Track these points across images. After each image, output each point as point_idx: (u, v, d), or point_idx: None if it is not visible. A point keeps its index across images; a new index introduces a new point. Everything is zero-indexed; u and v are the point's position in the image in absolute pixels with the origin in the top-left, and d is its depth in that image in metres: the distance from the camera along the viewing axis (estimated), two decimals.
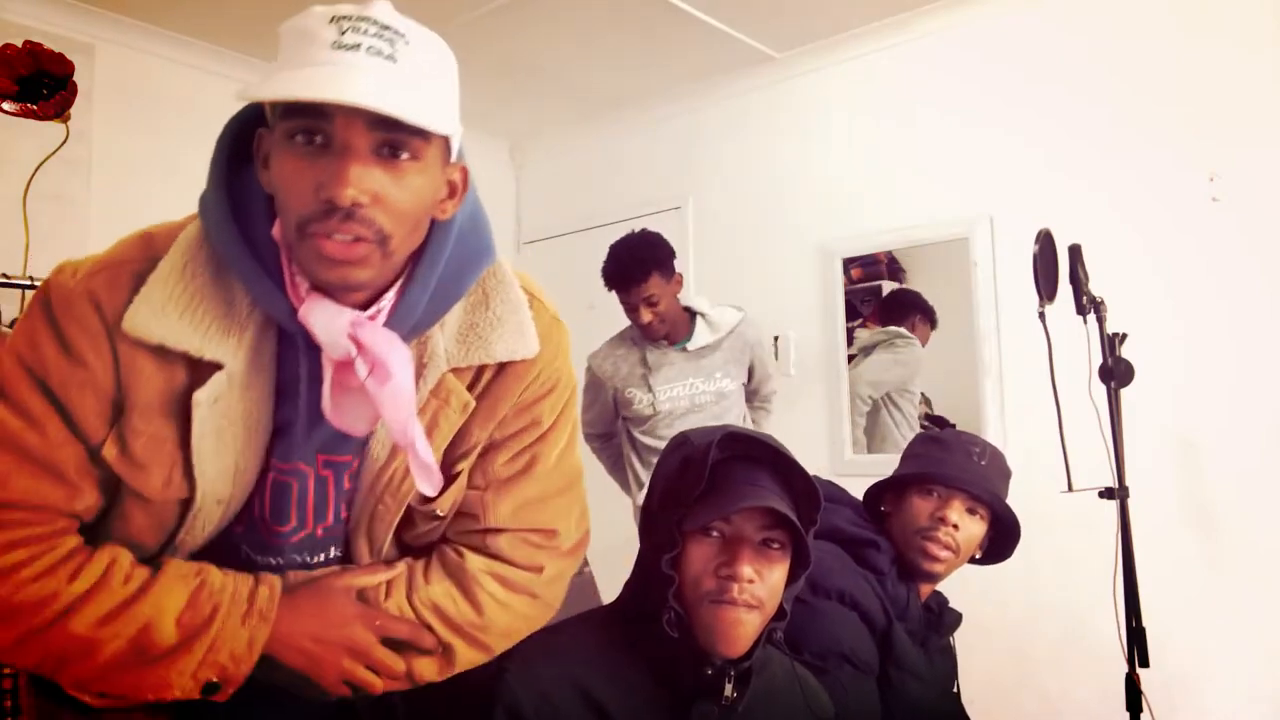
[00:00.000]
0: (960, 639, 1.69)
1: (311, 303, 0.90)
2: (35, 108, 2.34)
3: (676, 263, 2.65)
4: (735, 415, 2.69)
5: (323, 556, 1.04)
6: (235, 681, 0.94)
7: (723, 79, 3.52)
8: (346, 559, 1.06)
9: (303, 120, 0.83)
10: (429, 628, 1.02)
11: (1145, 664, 1.96)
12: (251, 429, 0.94)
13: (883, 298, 3.15)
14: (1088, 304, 2.06)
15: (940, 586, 1.62)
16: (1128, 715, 1.95)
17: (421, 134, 0.86)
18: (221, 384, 0.90)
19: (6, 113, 2.33)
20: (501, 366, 1.01)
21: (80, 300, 0.89)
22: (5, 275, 2.23)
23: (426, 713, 1.12)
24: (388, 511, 1.02)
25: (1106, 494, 2.02)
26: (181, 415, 0.91)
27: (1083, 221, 2.50)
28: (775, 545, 1.07)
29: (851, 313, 3.18)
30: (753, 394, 2.83)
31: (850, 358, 3.17)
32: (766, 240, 3.43)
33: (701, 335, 2.70)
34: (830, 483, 1.66)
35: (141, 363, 0.90)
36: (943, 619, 1.59)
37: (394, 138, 0.84)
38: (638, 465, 2.77)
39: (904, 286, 3.11)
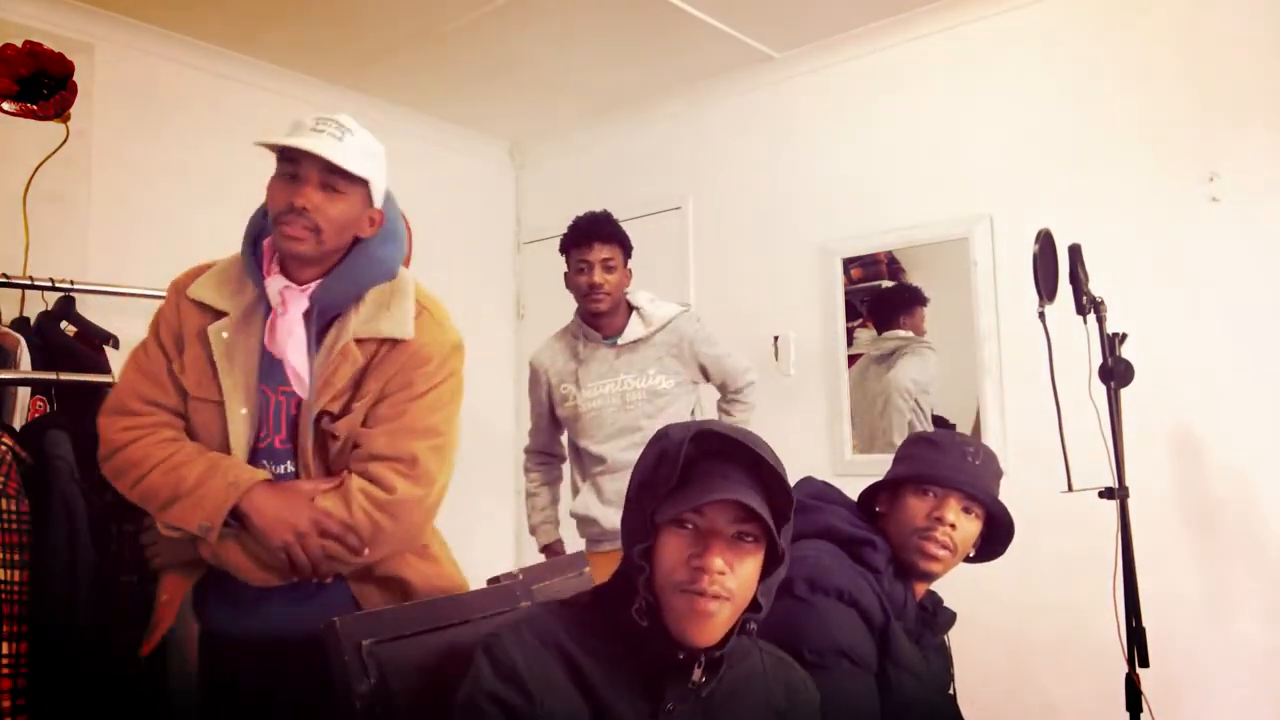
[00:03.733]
0: (959, 639, 1.69)
1: (270, 276, 1.55)
2: (35, 108, 2.34)
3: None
4: (673, 414, 2.50)
5: (284, 469, 1.54)
6: (214, 527, 1.44)
7: (723, 79, 3.53)
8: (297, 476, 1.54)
9: (287, 165, 1.49)
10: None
11: (1145, 664, 1.97)
12: (248, 360, 1.52)
13: (876, 302, 3.12)
14: (1088, 304, 2.06)
15: (940, 586, 1.62)
16: (1128, 715, 1.95)
17: (346, 179, 1.48)
18: (226, 323, 1.54)
19: (6, 113, 2.33)
20: (394, 344, 1.54)
21: (172, 288, 1.61)
22: (5, 275, 2.23)
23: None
24: (308, 430, 1.51)
25: (1106, 494, 2.02)
26: (207, 343, 1.53)
27: (1083, 221, 2.50)
28: (749, 539, 1.10)
29: (851, 313, 3.18)
30: (721, 390, 2.66)
31: (883, 357, 3.09)
32: (766, 240, 3.43)
33: (634, 329, 2.56)
34: (825, 483, 1.66)
35: (191, 313, 1.56)
36: (937, 618, 1.60)
37: (328, 179, 1.48)
38: (576, 473, 2.64)
39: (891, 286, 3.09)
